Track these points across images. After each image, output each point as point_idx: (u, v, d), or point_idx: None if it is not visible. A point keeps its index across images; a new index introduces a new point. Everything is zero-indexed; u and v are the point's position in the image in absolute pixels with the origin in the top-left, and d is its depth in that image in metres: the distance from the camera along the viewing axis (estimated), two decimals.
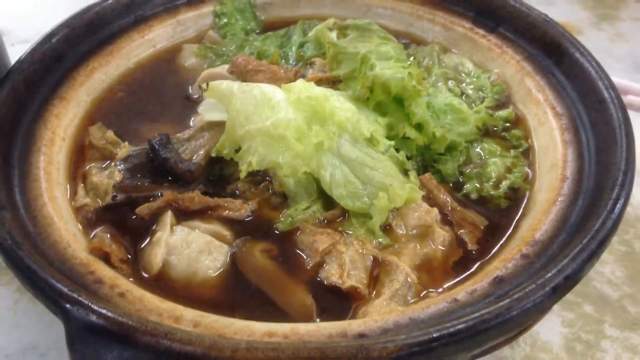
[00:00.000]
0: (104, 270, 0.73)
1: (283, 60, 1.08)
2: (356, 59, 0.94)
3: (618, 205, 0.73)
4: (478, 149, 0.94)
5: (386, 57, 0.93)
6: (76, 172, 0.90)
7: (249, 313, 0.71)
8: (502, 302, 0.63)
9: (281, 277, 0.78)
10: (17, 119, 0.89)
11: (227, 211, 0.84)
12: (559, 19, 1.03)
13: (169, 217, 0.82)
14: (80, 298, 0.63)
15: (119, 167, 0.88)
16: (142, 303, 0.68)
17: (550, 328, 0.90)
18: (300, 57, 1.08)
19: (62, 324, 0.63)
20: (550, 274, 0.66)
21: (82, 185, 0.88)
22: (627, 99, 1.14)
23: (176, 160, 0.86)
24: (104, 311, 0.61)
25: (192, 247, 0.78)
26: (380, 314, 0.70)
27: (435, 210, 0.83)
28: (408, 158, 0.88)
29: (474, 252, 0.81)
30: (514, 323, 0.63)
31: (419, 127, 0.89)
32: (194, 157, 0.89)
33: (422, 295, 0.75)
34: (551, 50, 1.00)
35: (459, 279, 0.77)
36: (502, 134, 0.97)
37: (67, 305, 0.63)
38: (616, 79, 0.96)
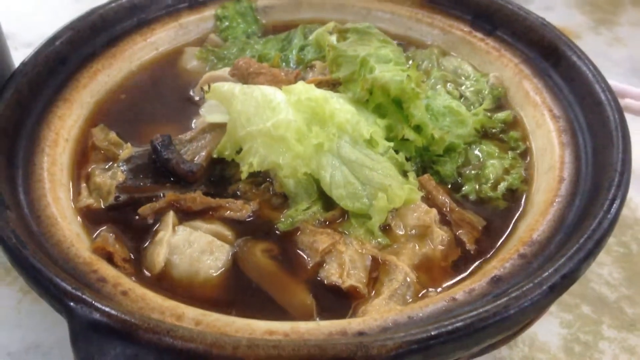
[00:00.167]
0: (107, 269, 0.73)
1: (284, 63, 1.09)
2: (356, 61, 0.95)
3: (614, 206, 0.74)
4: (476, 151, 0.95)
5: (385, 60, 0.94)
6: (79, 172, 0.91)
7: (250, 312, 0.72)
8: (500, 301, 0.64)
9: (282, 276, 0.78)
10: (21, 120, 0.90)
11: (228, 211, 0.84)
12: (557, 24, 1.04)
13: (171, 217, 0.83)
14: (83, 296, 0.63)
15: (121, 168, 0.88)
16: (144, 301, 0.69)
17: (549, 329, 0.90)
18: (300, 60, 1.09)
19: (65, 323, 0.64)
20: (547, 273, 0.67)
21: (85, 185, 0.88)
22: (625, 102, 1.14)
23: (178, 161, 0.87)
24: (107, 309, 0.62)
25: (194, 246, 0.79)
26: (379, 313, 0.71)
27: (434, 211, 0.84)
28: (407, 159, 0.89)
29: (472, 252, 0.81)
30: (511, 321, 0.64)
31: (417, 128, 0.90)
32: (196, 158, 0.90)
33: (420, 294, 0.76)
34: (548, 53, 1.01)
35: (457, 278, 0.78)
36: (500, 136, 0.98)
37: (71, 304, 0.63)
38: (613, 83, 0.97)
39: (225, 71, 1.02)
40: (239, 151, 0.87)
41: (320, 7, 1.22)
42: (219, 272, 0.78)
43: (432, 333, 0.60)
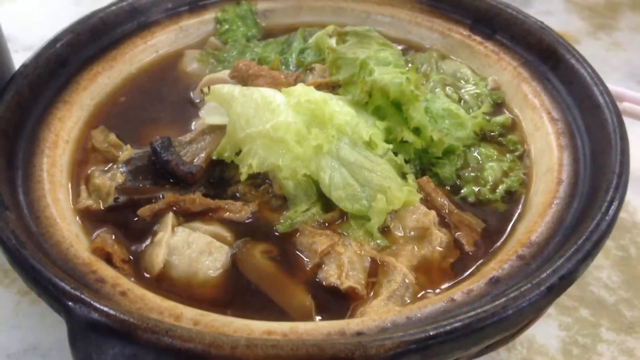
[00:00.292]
0: (105, 270, 0.73)
1: (283, 66, 1.10)
2: (355, 64, 0.95)
3: (612, 208, 0.74)
4: (475, 154, 0.95)
5: (385, 62, 0.95)
6: (79, 174, 0.91)
7: (248, 313, 0.72)
8: (498, 301, 0.64)
9: (281, 277, 0.78)
10: (22, 122, 0.90)
11: (227, 213, 0.85)
12: (556, 29, 1.05)
13: (170, 218, 0.83)
14: (82, 296, 0.63)
15: (121, 170, 0.89)
16: (143, 302, 0.69)
17: (547, 331, 0.90)
18: (300, 63, 1.09)
19: (63, 324, 0.64)
20: (545, 274, 0.67)
21: (85, 187, 0.89)
22: (623, 105, 1.15)
23: (177, 163, 0.87)
24: (105, 309, 0.62)
25: (193, 247, 0.79)
26: (378, 314, 0.71)
27: (433, 213, 0.84)
28: (406, 161, 0.89)
29: (470, 253, 0.81)
30: (509, 322, 0.64)
31: (417, 131, 0.90)
32: (195, 160, 0.90)
33: (419, 295, 0.76)
34: (547, 57, 1.01)
35: (456, 280, 0.78)
36: (499, 139, 0.99)
37: (70, 303, 0.63)
38: (612, 86, 0.98)
39: (225, 73, 1.02)
40: (238, 153, 0.88)
41: (320, 11, 1.23)
42: (217, 272, 0.78)
43: (431, 333, 0.60)
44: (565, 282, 0.68)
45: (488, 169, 0.92)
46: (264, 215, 0.85)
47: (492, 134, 0.99)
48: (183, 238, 0.80)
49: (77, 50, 1.02)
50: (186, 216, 0.84)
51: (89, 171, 0.91)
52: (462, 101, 1.04)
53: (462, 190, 0.90)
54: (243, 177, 0.85)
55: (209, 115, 0.94)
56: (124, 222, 0.84)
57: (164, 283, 0.77)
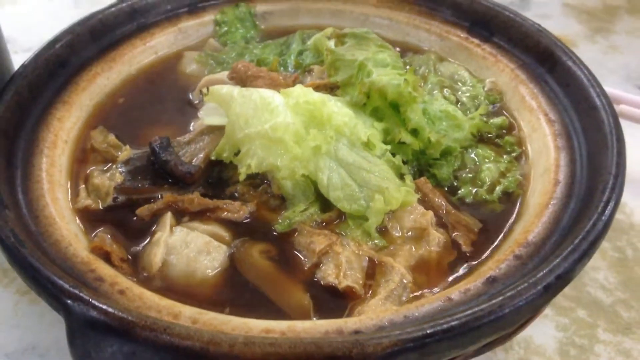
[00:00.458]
0: (104, 269, 0.74)
1: (282, 68, 1.10)
2: (353, 65, 0.96)
3: (609, 208, 0.75)
4: (472, 155, 0.95)
5: (383, 64, 0.95)
6: (78, 174, 0.92)
7: (247, 312, 0.72)
8: (495, 300, 0.64)
9: (279, 277, 0.79)
10: (21, 122, 0.90)
11: (226, 213, 0.85)
12: (554, 32, 1.05)
13: (168, 218, 0.83)
14: (81, 294, 0.64)
15: (120, 170, 0.89)
16: (141, 300, 0.69)
17: (544, 332, 0.91)
18: (299, 65, 1.10)
19: (61, 324, 0.64)
20: (542, 274, 0.67)
21: (84, 186, 0.89)
22: (620, 108, 1.15)
23: (176, 163, 0.88)
24: (104, 307, 0.62)
25: (191, 247, 0.79)
26: (375, 313, 0.71)
27: (431, 213, 0.84)
28: (404, 162, 0.90)
29: (468, 253, 0.82)
30: (506, 321, 0.64)
31: (414, 132, 0.90)
32: (194, 160, 0.90)
33: (417, 295, 0.77)
34: (544, 59, 1.02)
35: (453, 279, 0.78)
36: (496, 140, 0.99)
37: (68, 301, 0.63)
38: (609, 89, 0.98)
39: (223, 74, 1.03)
40: (237, 153, 0.88)
41: (319, 13, 1.23)
42: (215, 272, 0.79)
43: (428, 331, 0.61)
44: (562, 282, 0.68)
45: (485, 170, 0.93)
46: (262, 215, 0.86)
47: (489, 135, 1.00)
48: (181, 237, 0.80)
49: (76, 51, 1.02)
50: (184, 216, 0.85)
51: (88, 171, 0.92)
52: (460, 103, 1.05)
53: (460, 191, 0.91)
54: (242, 177, 0.86)
55: (208, 116, 0.94)
56: (123, 221, 0.85)
57: (163, 282, 0.77)
